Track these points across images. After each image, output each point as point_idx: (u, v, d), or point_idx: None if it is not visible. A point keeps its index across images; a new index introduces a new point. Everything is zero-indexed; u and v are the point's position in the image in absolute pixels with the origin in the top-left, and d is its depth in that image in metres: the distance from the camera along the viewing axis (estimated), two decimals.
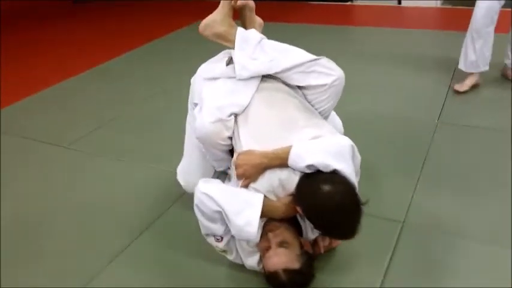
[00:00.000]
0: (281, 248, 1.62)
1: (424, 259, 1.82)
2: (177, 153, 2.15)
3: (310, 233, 1.72)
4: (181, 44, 4.67)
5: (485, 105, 2.97)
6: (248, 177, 1.64)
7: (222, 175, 1.97)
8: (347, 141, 1.64)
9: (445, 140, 2.61)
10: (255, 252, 1.71)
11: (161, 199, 2.29)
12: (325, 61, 1.81)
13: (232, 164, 1.71)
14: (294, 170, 1.60)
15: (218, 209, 1.61)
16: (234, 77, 1.81)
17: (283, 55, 1.82)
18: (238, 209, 1.59)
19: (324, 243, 1.79)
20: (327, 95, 1.84)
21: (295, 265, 1.61)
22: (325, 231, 1.64)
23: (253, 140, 1.71)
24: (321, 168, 1.55)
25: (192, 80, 1.99)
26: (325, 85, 1.80)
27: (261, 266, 1.70)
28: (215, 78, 1.86)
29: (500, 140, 2.54)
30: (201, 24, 1.91)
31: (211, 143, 1.80)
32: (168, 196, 2.30)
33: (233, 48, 1.85)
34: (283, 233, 1.64)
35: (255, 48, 1.82)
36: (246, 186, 1.66)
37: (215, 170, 2.00)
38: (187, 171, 2.07)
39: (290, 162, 1.58)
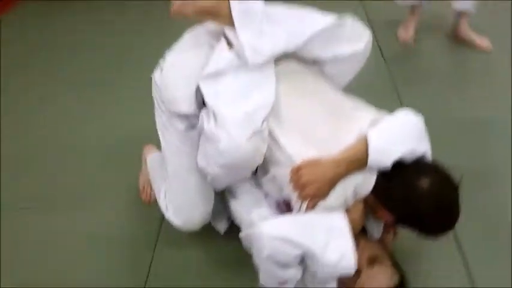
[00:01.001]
0: (375, 267, 1.31)
1: None
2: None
3: (376, 232, 1.42)
4: None
5: None
6: (319, 196, 1.28)
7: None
8: (414, 116, 1.33)
9: None
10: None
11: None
12: (350, 22, 1.45)
13: (289, 183, 1.29)
14: (371, 170, 1.27)
15: (299, 252, 1.24)
16: (243, 67, 1.38)
17: (298, 23, 1.41)
18: (325, 243, 1.23)
19: (389, 238, 1.50)
20: (353, 64, 1.50)
21: (397, 279, 1.34)
22: (430, 232, 1.34)
23: (304, 145, 1.33)
24: (408, 159, 1.25)
25: (160, 79, 1.49)
26: (355, 53, 1.46)
27: None
28: (219, 74, 1.39)
29: None
30: (174, 3, 1.44)
31: (247, 166, 1.38)
32: None
33: (228, 25, 1.41)
34: (366, 246, 1.32)
35: (261, 21, 1.37)
36: (313, 206, 1.29)
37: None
38: (186, 204, 1.57)
39: (371, 162, 1.24)
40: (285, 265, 1.26)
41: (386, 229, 1.48)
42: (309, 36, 1.39)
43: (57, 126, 2.43)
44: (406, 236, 1.50)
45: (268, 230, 1.25)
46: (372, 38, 1.50)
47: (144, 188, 1.93)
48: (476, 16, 2.78)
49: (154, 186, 1.75)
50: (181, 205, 1.57)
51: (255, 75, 1.37)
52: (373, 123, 1.33)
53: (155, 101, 1.57)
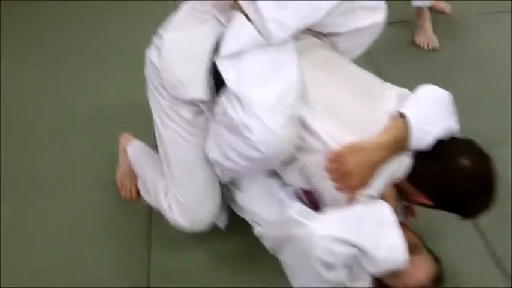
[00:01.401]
0: (415, 256, 1.22)
1: None
2: None
3: (399, 216, 1.32)
4: None
5: None
6: (363, 185, 1.16)
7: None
8: (443, 91, 1.27)
9: None
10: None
11: None
12: None
13: (325, 172, 1.17)
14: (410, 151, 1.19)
15: (352, 251, 1.14)
16: (264, 44, 1.18)
17: None
18: (375, 238, 1.15)
19: (409, 221, 1.42)
20: (368, 37, 1.39)
21: (436, 267, 1.28)
22: (472, 212, 1.28)
23: (339, 128, 1.19)
24: (445, 137, 1.18)
25: (159, 60, 1.29)
26: (373, 24, 1.33)
27: None
28: (241, 52, 1.17)
29: None
30: None
31: (279, 157, 1.20)
32: None
33: None
34: (404, 234, 1.22)
35: None
36: (353, 197, 1.18)
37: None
38: (194, 201, 1.39)
39: (415, 142, 1.16)
40: (332, 266, 1.16)
41: (407, 212, 1.41)
42: (330, 8, 1.22)
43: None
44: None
45: (321, 229, 1.13)
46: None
47: (122, 183, 1.72)
48: None
49: (145, 183, 1.56)
50: (188, 203, 1.39)
51: (278, 53, 1.19)
52: (402, 99, 1.24)
53: (150, 84, 1.37)
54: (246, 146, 1.14)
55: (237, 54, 1.17)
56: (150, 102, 1.40)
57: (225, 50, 1.18)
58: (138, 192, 1.69)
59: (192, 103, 1.30)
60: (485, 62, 2.37)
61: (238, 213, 1.47)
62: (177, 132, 1.34)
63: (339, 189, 1.16)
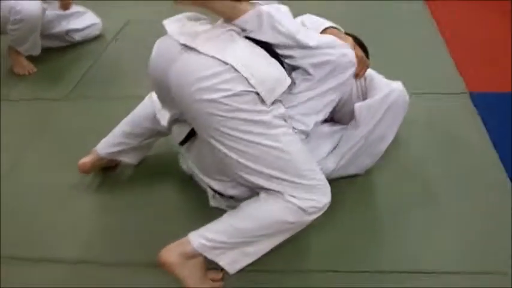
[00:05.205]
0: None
1: None
2: None
3: None
4: None
5: None
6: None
7: None
8: None
9: None
10: None
11: None
12: None
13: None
14: None
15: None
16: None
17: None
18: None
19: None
20: None
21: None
22: None
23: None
24: None
25: (247, 81, 1.25)
26: None
27: None
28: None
29: None
30: None
31: None
32: None
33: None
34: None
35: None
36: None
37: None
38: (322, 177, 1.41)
39: None
40: None
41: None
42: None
43: None
44: None
45: None
46: None
47: None
48: None
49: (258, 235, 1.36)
50: (324, 180, 1.39)
51: None
52: None
53: (245, 116, 1.26)
54: None
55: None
56: (244, 135, 1.28)
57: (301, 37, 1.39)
58: None
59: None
60: None
61: None
62: (287, 132, 1.34)
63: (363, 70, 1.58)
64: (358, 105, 1.61)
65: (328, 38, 1.47)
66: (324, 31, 1.55)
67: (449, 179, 1.68)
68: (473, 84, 2.16)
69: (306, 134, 1.46)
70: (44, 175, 1.89)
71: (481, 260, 1.40)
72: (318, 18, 1.62)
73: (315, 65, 1.41)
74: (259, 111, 1.27)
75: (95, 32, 2.89)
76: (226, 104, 1.23)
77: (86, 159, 1.78)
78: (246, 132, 1.27)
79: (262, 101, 1.27)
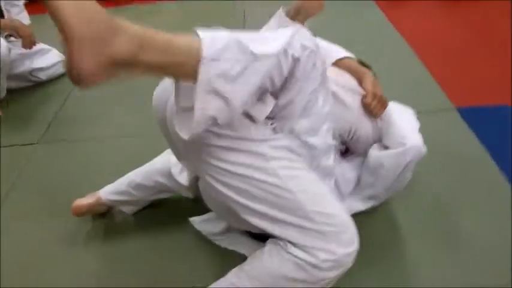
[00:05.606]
0: None
1: None
2: None
3: None
4: None
5: None
6: None
7: None
8: None
9: None
10: None
11: None
12: None
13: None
14: None
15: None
16: None
17: None
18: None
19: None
20: None
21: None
22: None
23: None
24: None
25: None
26: None
27: None
28: None
29: None
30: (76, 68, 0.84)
31: None
32: None
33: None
34: None
35: None
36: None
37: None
38: (343, 219, 1.17)
39: None
40: None
41: None
42: None
43: None
44: None
45: None
46: None
47: None
48: None
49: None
50: (338, 223, 1.14)
51: None
52: None
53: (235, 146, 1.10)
54: None
55: None
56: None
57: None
58: None
59: None
60: None
61: None
62: (287, 166, 1.13)
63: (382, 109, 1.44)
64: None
65: None
66: (338, 61, 1.50)
67: (458, 197, 1.68)
68: (456, 96, 2.19)
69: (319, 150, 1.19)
70: (29, 227, 1.75)
71: (482, 275, 1.40)
72: (328, 44, 1.53)
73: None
74: (252, 140, 1.10)
75: (61, 70, 2.76)
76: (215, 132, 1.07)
77: (82, 202, 1.67)
78: (238, 165, 1.09)
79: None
